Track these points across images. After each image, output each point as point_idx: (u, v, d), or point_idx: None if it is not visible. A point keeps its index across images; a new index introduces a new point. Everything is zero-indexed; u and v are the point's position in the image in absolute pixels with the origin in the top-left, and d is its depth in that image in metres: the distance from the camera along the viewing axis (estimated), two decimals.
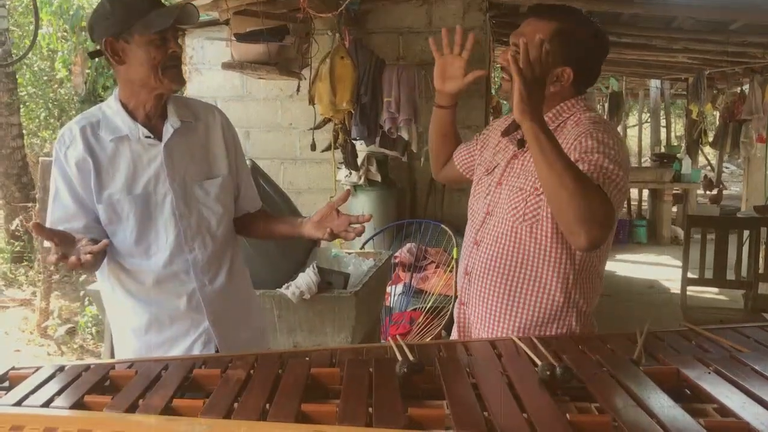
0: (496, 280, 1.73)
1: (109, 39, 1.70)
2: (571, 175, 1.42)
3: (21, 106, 8.25)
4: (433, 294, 4.11)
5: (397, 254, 4.44)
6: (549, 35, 1.60)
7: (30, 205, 6.80)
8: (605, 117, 6.00)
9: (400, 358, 1.34)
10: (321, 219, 1.84)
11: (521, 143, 1.73)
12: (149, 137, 1.77)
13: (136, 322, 1.84)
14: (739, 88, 9.17)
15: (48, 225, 1.75)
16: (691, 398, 1.23)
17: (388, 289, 4.03)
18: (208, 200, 1.85)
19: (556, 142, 1.46)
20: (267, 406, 1.17)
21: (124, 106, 1.78)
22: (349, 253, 3.34)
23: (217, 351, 1.85)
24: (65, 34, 8.50)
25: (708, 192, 11.38)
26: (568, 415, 1.09)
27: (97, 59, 8.38)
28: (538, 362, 1.30)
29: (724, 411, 1.14)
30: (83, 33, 8.01)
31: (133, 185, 1.76)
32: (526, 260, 1.69)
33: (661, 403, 1.14)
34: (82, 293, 5.71)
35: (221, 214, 1.88)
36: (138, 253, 1.79)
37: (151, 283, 1.81)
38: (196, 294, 1.83)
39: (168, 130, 1.79)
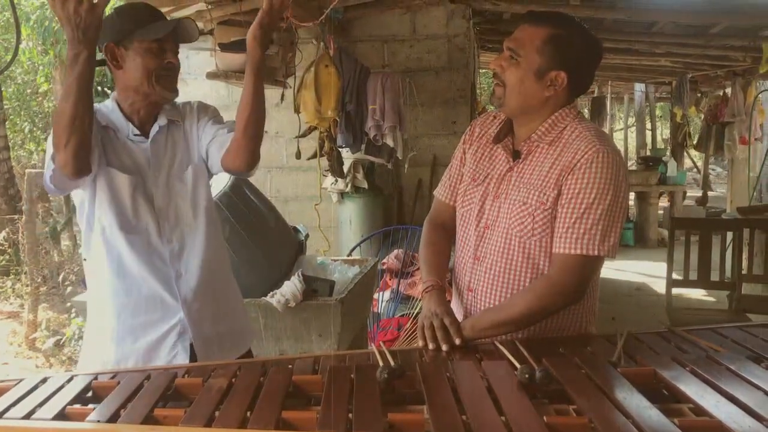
0: (505, 296, 1.70)
1: (110, 44, 1.80)
2: (526, 319, 1.63)
3: (6, 119, 8.21)
4: (420, 300, 4.11)
5: (384, 261, 4.45)
6: (543, 40, 1.60)
7: (17, 217, 6.75)
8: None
9: (381, 363, 1.35)
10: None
11: (516, 155, 1.71)
12: (138, 135, 1.88)
13: (115, 302, 1.87)
14: (721, 91, 9.26)
15: None
16: (667, 398, 1.25)
17: (376, 295, 4.04)
18: (185, 191, 1.92)
19: (492, 320, 1.62)
20: (248, 413, 1.18)
21: (120, 108, 1.88)
22: (335, 261, 3.34)
23: (191, 344, 1.89)
24: (45, 47, 8.48)
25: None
26: (545, 418, 1.11)
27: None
28: (518, 365, 1.32)
29: (698, 410, 1.16)
30: (59, 46, 7.99)
31: (123, 169, 1.85)
32: (536, 274, 1.68)
33: (638, 404, 1.16)
34: (69, 304, 5.68)
35: (197, 205, 1.94)
36: (127, 229, 1.85)
37: (131, 264, 1.86)
38: (172, 283, 1.89)
39: (155, 129, 1.89)
